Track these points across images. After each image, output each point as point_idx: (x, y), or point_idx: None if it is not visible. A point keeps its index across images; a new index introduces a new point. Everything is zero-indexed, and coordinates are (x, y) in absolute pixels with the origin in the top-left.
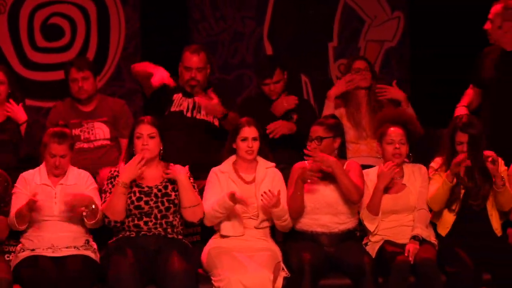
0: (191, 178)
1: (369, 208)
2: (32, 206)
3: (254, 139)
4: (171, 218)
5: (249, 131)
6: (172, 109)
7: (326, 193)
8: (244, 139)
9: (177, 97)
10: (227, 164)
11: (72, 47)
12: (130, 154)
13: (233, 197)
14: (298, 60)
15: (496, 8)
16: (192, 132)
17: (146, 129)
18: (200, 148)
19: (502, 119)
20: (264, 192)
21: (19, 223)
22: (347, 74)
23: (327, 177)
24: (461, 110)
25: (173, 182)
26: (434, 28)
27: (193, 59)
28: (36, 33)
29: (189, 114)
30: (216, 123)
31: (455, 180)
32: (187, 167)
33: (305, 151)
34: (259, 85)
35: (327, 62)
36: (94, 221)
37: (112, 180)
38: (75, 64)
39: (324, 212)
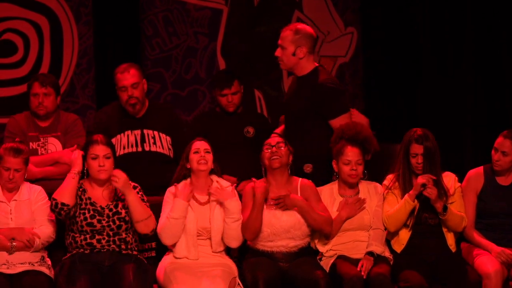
0: (140, 192)
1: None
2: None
3: (207, 151)
4: (123, 235)
5: (201, 144)
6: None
7: (284, 218)
8: (196, 151)
9: (116, 140)
10: (184, 184)
11: (25, 63)
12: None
13: (181, 194)
14: (252, 75)
15: (286, 34)
16: (148, 162)
17: (101, 150)
18: (156, 174)
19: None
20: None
21: None
22: None
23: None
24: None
25: (123, 200)
26: (386, 44)
27: (125, 78)
28: None
29: (139, 149)
30: (170, 154)
31: (416, 200)
32: (129, 182)
33: (274, 197)
34: (217, 96)
35: (281, 77)
36: (32, 250)
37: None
38: (39, 79)
39: (282, 237)
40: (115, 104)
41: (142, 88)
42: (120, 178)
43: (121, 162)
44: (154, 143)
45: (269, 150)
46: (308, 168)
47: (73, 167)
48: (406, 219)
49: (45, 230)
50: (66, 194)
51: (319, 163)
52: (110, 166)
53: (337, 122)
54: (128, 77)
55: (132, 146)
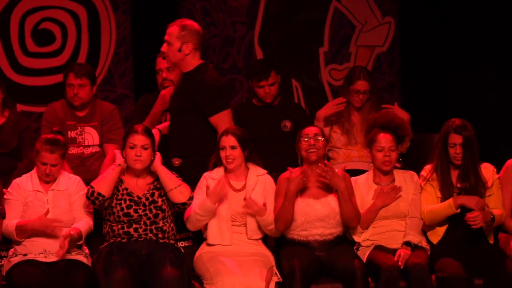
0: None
1: (361, 222)
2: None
3: (232, 147)
4: (160, 224)
5: (227, 140)
6: None
7: (317, 207)
8: (223, 148)
9: None
10: (219, 171)
11: (63, 52)
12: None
13: (212, 196)
14: (289, 65)
15: (172, 30)
16: None
17: (140, 140)
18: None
19: None
20: (245, 198)
21: (19, 235)
22: (342, 92)
23: (318, 191)
24: None
25: (159, 188)
26: (424, 34)
27: (161, 61)
28: (27, 38)
29: None
30: None
31: (459, 209)
32: (158, 154)
33: (320, 169)
34: (254, 87)
35: (318, 67)
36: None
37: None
38: (74, 69)
39: (315, 226)
40: (156, 93)
41: (178, 72)
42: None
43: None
44: None
45: (307, 142)
46: (176, 162)
47: (116, 159)
48: (443, 219)
49: (86, 224)
50: (104, 184)
51: (195, 159)
52: (147, 157)
53: (216, 119)
54: (165, 61)
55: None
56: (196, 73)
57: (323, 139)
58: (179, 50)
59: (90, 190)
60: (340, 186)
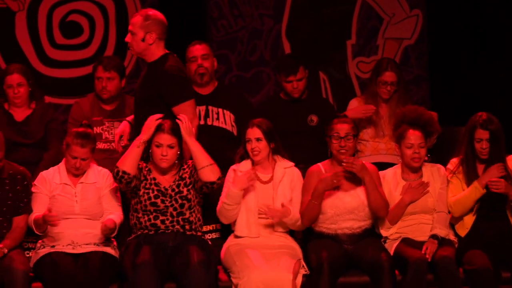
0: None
1: (389, 218)
2: (48, 221)
3: (258, 139)
4: (187, 215)
5: (252, 133)
6: None
7: (347, 199)
8: (248, 141)
9: None
10: (246, 163)
11: (91, 45)
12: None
13: (237, 183)
14: (317, 57)
15: (136, 20)
16: (210, 137)
17: (166, 139)
18: (217, 150)
19: None
20: (260, 211)
21: (36, 229)
22: (370, 84)
23: (347, 183)
24: None
25: (184, 178)
26: (452, 26)
27: (196, 49)
28: (55, 30)
29: (202, 122)
30: (233, 131)
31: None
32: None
33: (344, 159)
34: (282, 82)
35: (346, 59)
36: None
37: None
38: (103, 62)
39: (345, 218)
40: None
41: (211, 62)
42: (184, 121)
43: None
44: (217, 118)
45: (338, 142)
46: None
47: (141, 134)
48: (473, 205)
49: (118, 218)
50: (128, 162)
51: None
52: (172, 156)
53: (179, 110)
54: (199, 49)
55: None
56: (160, 63)
57: (353, 139)
58: (143, 40)
59: (115, 170)
60: (366, 175)
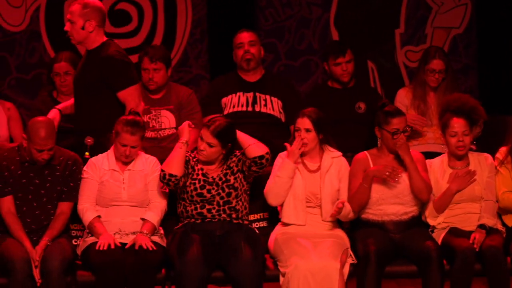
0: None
1: (436, 206)
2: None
3: (307, 130)
4: (233, 203)
5: (302, 122)
6: (228, 111)
7: (391, 183)
8: (298, 130)
9: (227, 99)
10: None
11: (139, 33)
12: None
13: (291, 155)
14: (365, 46)
15: (74, 8)
16: (257, 123)
17: (207, 137)
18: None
19: None
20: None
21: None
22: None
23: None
24: None
25: (231, 167)
26: (501, 15)
27: (243, 35)
28: None
29: (250, 109)
30: (281, 117)
31: None
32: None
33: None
34: (331, 67)
35: (394, 48)
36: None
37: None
38: (149, 53)
39: (391, 202)
40: (231, 73)
41: (258, 49)
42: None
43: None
44: (265, 105)
45: (396, 137)
46: (89, 140)
47: (181, 137)
48: None
49: (157, 215)
50: (173, 165)
51: (107, 135)
52: (211, 153)
53: (124, 94)
54: (246, 35)
55: (242, 105)
56: (102, 50)
57: (407, 131)
58: (82, 28)
59: (162, 173)
60: (406, 156)
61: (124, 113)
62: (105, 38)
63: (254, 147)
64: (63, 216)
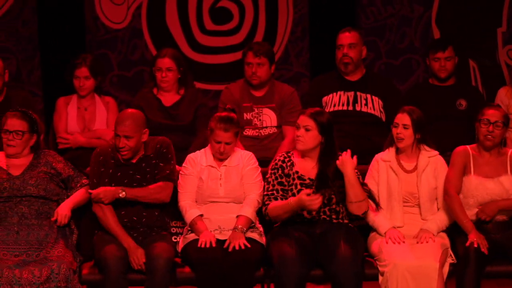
0: (356, 171)
1: None
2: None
3: (405, 126)
4: (334, 206)
5: (401, 118)
6: (329, 109)
7: (489, 186)
8: (396, 126)
9: (328, 98)
10: (390, 153)
11: (240, 31)
12: None
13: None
14: (466, 45)
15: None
16: (358, 122)
17: (303, 120)
18: (365, 136)
19: None
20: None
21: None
22: None
23: (491, 170)
24: None
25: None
26: None
27: (345, 36)
28: (204, 16)
29: (350, 108)
30: (382, 117)
31: None
32: (355, 158)
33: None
34: (430, 62)
35: (496, 47)
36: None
37: (276, 171)
38: (254, 48)
39: None
40: (332, 72)
41: (358, 50)
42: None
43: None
44: (366, 104)
45: (486, 127)
46: None
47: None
48: None
49: (251, 211)
50: (279, 217)
51: None
52: (309, 139)
53: None
54: (348, 36)
55: (343, 104)
56: None
57: (502, 127)
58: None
59: (265, 209)
60: (345, 170)
61: None
62: None
63: (355, 207)
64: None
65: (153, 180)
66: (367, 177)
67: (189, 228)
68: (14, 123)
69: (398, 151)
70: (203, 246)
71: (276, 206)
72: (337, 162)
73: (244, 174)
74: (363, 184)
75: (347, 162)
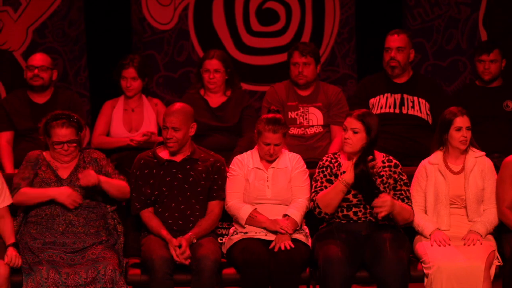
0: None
1: None
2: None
3: (468, 128)
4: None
5: (462, 121)
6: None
7: None
8: (459, 129)
9: (375, 100)
10: (437, 155)
11: (287, 32)
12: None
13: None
14: None
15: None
16: (404, 125)
17: (350, 123)
18: (411, 138)
19: None
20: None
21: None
22: None
23: None
24: None
25: (381, 176)
26: None
27: (393, 38)
28: (251, 17)
29: (397, 111)
30: (428, 119)
31: None
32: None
33: None
34: (476, 63)
35: None
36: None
37: (324, 169)
38: (300, 48)
39: None
40: (380, 73)
41: (406, 54)
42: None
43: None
44: (413, 106)
45: None
46: None
47: (345, 178)
48: None
49: (299, 215)
50: (331, 206)
51: None
52: (356, 141)
53: None
54: (396, 39)
55: (389, 107)
56: None
57: None
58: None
59: (313, 203)
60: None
61: None
62: None
63: (403, 223)
64: (213, 216)
65: (198, 185)
66: (413, 185)
67: (234, 230)
68: (65, 133)
69: (445, 153)
70: (282, 248)
71: (324, 192)
72: (376, 209)
73: (292, 177)
74: (379, 191)
75: (384, 206)
